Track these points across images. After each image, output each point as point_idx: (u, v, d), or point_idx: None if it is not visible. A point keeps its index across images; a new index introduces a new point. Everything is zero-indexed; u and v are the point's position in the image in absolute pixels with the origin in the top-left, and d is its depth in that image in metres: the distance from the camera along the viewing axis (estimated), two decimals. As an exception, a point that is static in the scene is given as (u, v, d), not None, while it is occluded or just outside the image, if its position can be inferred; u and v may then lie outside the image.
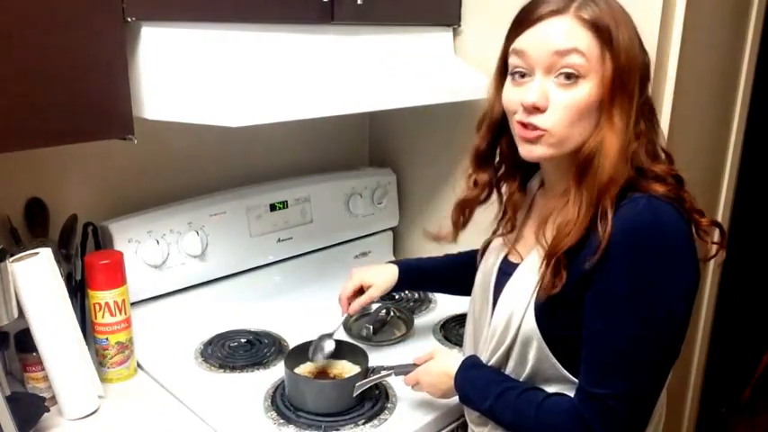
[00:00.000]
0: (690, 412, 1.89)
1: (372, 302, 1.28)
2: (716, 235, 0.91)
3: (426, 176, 1.70)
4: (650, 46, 1.18)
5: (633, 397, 0.80)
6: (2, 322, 0.92)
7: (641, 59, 0.84)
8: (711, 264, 1.75)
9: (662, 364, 0.82)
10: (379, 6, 1.28)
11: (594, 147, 0.81)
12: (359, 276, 1.25)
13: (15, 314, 0.94)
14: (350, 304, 1.24)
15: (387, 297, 1.56)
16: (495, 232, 1.03)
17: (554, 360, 0.87)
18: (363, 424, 1.08)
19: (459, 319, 1.45)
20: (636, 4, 1.19)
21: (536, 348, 0.88)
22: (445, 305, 1.54)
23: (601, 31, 0.80)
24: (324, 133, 1.72)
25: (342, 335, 1.35)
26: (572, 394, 0.86)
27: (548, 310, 0.86)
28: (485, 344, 0.97)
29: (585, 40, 0.80)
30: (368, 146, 1.85)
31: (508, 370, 0.93)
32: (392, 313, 1.45)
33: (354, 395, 1.08)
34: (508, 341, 0.90)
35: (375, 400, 1.13)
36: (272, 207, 1.51)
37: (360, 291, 1.25)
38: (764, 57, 1.67)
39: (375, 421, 1.09)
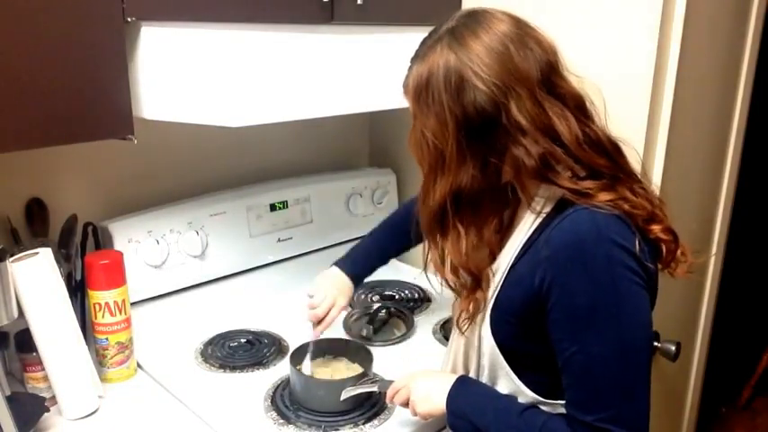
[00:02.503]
0: (690, 412, 1.89)
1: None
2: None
3: (426, 176, 1.70)
4: (650, 46, 1.19)
5: (622, 416, 0.79)
6: (2, 322, 0.92)
7: (452, 106, 0.81)
8: (711, 263, 1.75)
9: (638, 375, 0.80)
10: (378, 6, 1.28)
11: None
12: (325, 300, 1.25)
13: (15, 314, 0.94)
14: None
15: (387, 297, 1.57)
16: None
17: (508, 369, 0.88)
18: (363, 424, 1.08)
19: (459, 319, 1.45)
20: (636, 4, 1.20)
21: (490, 353, 0.89)
22: (445, 305, 1.53)
23: (409, 96, 0.88)
24: (324, 133, 1.72)
25: (342, 334, 1.35)
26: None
27: (503, 320, 0.87)
28: (454, 354, 0.98)
29: (411, 108, 0.89)
30: (368, 146, 1.85)
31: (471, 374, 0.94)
32: (392, 313, 1.45)
33: (342, 399, 1.07)
34: (475, 347, 0.92)
35: (375, 400, 1.13)
36: (272, 207, 1.51)
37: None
38: (764, 57, 1.67)
39: (375, 421, 1.09)
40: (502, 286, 0.87)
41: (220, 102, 1.00)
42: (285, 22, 1.16)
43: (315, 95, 1.12)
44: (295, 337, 1.30)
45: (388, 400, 1.04)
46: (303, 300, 1.54)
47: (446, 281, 0.92)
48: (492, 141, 0.81)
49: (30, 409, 1.04)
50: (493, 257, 0.90)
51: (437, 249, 0.90)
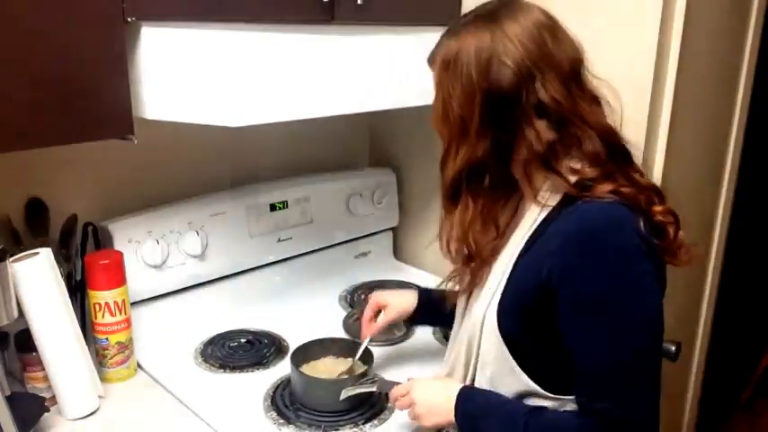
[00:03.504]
0: (690, 412, 1.89)
1: (390, 323, 1.21)
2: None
3: (426, 176, 1.70)
4: (651, 46, 1.19)
5: (632, 403, 0.80)
6: (2, 322, 0.92)
7: (479, 80, 0.83)
8: (711, 263, 1.75)
9: (650, 363, 0.81)
10: (378, 6, 1.28)
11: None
12: (374, 298, 1.22)
13: (15, 314, 0.94)
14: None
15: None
16: None
17: (513, 363, 0.87)
18: (363, 424, 1.08)
19: (460, 319, 1.45)
20: (636, 4, 1.20)
21: (495, 348, 0.88)
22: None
23: (435, 67, 0.90)
24: (324, 133, 1.72)
25: (342, 334, 1.35)
26: (530, 402, 0.88)
27: (509, 313, 0.87)
28: (456, 348, 0.98)
29: (435, 79, 0.91)
30: (368, 146, 1.85)
31: (471, 374, 0.94)
32: None
33: (341, 399, 1.07)
34: (477, 337, 0.91)
35: (375, 400, 1.13)
36: (272, 207, 1.51)
37: (378, 313, 1.21)
38: (764, 57, 1.67)
39: (375, 421, 1.09)
40: (508, 279, 0.88)
41: (220, 102, 1.00)
42: (285, 22, 1.16)
43: (315, 95, 1.12)
44: (295, 337, 1.30)
45: (391, 402, 1.04)
46: (303, 300, 1.55)
47: (447, 249, 0.94)
48: (508, 121, 0.84)
49: (30, 409, 1.04)
50: (495, 237, 0.91)
51: (448, 218, 0.93)
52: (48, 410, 1.06)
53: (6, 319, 0.92)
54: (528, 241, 0.87)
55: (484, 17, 0.86)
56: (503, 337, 0.87)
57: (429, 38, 1.44)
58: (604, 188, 0.81)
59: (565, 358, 0.83)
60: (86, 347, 1.13)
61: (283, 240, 1.54)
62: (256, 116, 1.00)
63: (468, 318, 0.95)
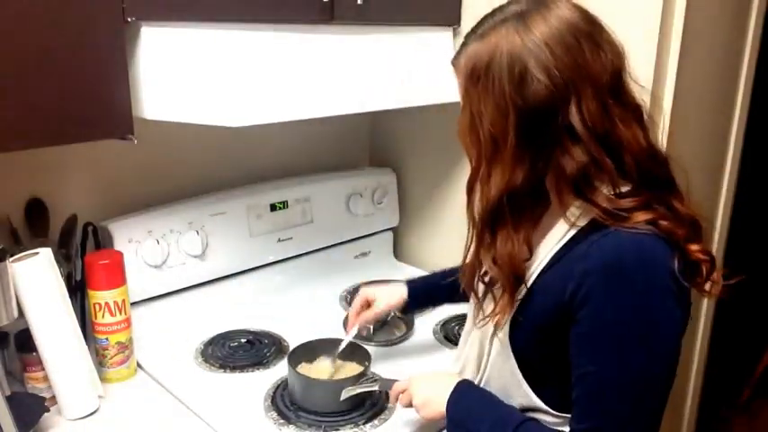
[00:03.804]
0: (690, 412, 1.89)
1: (378, 318, 1.25)
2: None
3: (426, 176, 1.70)
4: (651, 46, 1.19)
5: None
6: (2, 322, 0.91)
7: (512, 95, 0.76)
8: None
9: (660, 396, 0.78)
10: (378, 6, 1.28)
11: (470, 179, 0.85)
12: (363, 293, 1.22)
13: (15, 314, 0.94)
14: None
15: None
16: None
17: (520, 377, 0.86)
18: (363, 424, 1.08)
19: (460, 319, 1.45)
20: (636, 4, 1.20)
21: (504, 361, 0.87)
22: (445, 305, 1.53)
23: (462, 75, 0.82)
24: (324, 133, 1.72)
25: (342, 334, 1.35)
26: (539, 417, 0.86)
27: (523, 328, 0.85)
28: (468, 350, 0.97)
29: (461, 89, 0.83)
30: (368, 146, 1.85)
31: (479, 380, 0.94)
32: (392, 313, 1.45)
33: (342, 399, 1.07)
34: (487, 347, 0.91)
35: (375, 400, 1.13)
36: (272, 207, 1.51)
37: (367, 307, 1.22)
38: (764, 57, 1.67)
39: (375, 421, 1.09)
40: (527, 294, 0.84)
41: (221, 102, 1.00)
42: (285, 22, 1.16)
43: (315, 95, 1.12)
44: (295, 337, 1.30)
45: (392, 402, 1.03)
46: (303, 300, 1.55)
47: (481, 279, 0.88)
48: (544, 141, 0.77)
49: (30, 409, 1.04)
50: (531, 254, 0.85)
51: (487, 252, 0.85)
52: (48, 410, 1.06)
53: (6, 319, 0.92)
54: (552, 258, 0.83)
55: (516, 18, 0.77)
56: (513, 351, 0.86)
57: (429, 38, 1.46)
58: (640, 217, 0.75)
59: (565, 376, 0.81)
60: (86, 347, 1.13)
61: (283, 240, 1.54)
62: (256, 116, 1.00)
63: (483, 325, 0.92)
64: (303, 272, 1.61)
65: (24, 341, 1.10)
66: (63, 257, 1.19)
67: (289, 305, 1.51)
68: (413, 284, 1.23)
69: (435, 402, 0.94)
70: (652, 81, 1.21)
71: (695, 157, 1.49)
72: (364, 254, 1.75)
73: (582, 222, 0.80)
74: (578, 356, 0.79)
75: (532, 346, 0.85)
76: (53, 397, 1.10)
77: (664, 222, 0.76)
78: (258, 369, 1.25)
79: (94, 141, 1.01)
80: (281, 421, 1.08)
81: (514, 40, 0.76)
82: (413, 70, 1.38)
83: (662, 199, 0.79)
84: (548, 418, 0.86)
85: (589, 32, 0.77)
